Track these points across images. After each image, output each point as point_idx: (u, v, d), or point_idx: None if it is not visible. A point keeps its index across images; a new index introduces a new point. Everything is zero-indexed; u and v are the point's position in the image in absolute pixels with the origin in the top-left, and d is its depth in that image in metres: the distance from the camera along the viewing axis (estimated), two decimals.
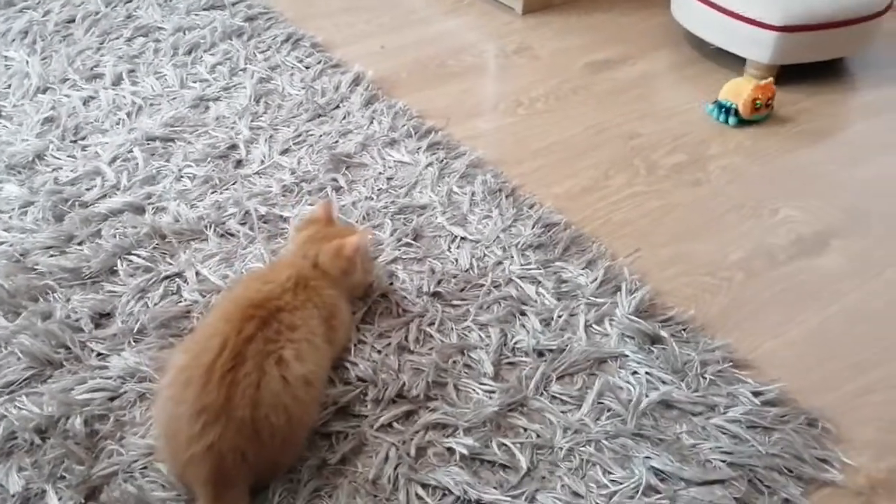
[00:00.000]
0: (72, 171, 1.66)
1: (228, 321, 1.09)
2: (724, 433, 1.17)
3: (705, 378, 1.25)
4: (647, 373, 1.26)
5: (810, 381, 1.27)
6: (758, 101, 1.83)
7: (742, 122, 1.86)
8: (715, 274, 1.47)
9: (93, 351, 1.29)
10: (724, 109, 1.87)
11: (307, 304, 1.17)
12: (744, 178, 1.71)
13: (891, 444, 1.18)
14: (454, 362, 1.28)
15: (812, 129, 1.87)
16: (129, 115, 1.84)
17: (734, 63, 2.02)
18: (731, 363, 1.28)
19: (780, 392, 1.23)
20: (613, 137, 1.83)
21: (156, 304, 1.37)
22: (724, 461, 1.13)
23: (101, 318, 1.35)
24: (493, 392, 1.23)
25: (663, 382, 1.24)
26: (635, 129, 1.86)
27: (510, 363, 1.28)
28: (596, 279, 1.42)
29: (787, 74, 1.99)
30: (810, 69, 2.01)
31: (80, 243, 1.49)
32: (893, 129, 1.88)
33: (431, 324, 1.34)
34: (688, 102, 1.94)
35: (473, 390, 1.24)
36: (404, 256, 1.48)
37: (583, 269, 1.45)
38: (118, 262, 1.45)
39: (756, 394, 1.23)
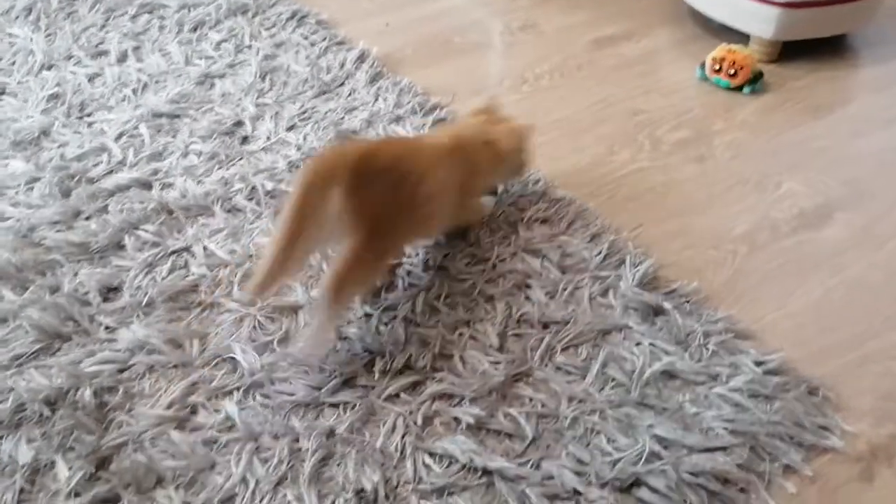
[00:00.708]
0: (78, 147, 1.67)
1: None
2: (727, 402, 1.18)
3: (708, 349, 1.26)
4: (650, 344, 1.27)
5: (811, 350, 1.28)
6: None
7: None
8: (719, 247, 1.48)
9: (101, 324, 1.30)
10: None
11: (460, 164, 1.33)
12: (748, 153, 1.71)
13: (890, 411, 1.19)
14: (460, 334, 1.29)
15: (815, 105, 1.87)
16: (134, 91, 1.84)
17: (739, 39, 2.01)
18: (733, 334, 1.29)
19: (781, 362, 1.24)
20: (618, 113, 1.84)
21: (164, 279, 1.38)
22: (726, 429, 1.14)
23: (109, 292, 1.36)
24: (498, 363, 1.24)
25: (667, 353, 1.25)
26: (640, 105, 1.86)
27: (516, 335, 1.29)
28: (600, 252, 1.43)
29: (791, 50, 1.99)
30: (813, 45, 2.00)
31: (87, 218, 1.50)
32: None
33: (438, 297, 1.35)
34: (692, 78, 1.94)
35: (479, 361, 1.25)
36: None
37: (587, 242, 1.46)
38: (125, 236, 1.46)
39: (758, 363, 1.23)
